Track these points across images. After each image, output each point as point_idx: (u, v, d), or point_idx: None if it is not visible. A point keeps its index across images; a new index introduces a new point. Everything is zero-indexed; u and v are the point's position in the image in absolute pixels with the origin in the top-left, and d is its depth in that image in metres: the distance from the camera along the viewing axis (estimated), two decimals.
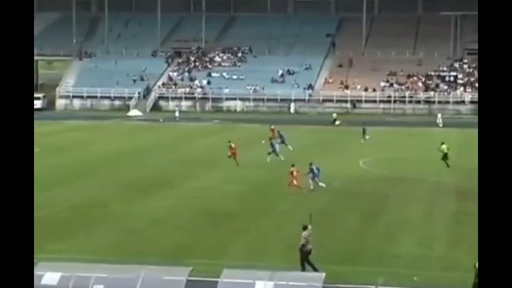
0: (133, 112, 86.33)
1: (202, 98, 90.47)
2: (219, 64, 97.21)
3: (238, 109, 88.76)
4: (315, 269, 23.90)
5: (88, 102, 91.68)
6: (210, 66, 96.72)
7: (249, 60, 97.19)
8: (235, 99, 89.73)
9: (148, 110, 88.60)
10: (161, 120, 78.12)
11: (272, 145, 48.70)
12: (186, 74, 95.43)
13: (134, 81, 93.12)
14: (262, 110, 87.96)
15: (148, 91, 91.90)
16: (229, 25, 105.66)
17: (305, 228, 24.92)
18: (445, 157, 45.72)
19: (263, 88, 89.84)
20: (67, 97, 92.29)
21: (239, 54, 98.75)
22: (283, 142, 52.75)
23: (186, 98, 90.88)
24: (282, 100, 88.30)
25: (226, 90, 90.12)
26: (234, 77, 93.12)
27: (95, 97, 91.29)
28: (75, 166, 46.69)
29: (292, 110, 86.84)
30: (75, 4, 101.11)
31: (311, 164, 38.64)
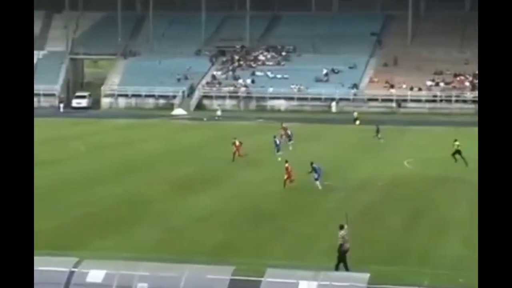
0: (177, 111, 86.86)
1: (246, 97, 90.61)
2: (263, 63, 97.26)
3: (282, 108, 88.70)
4: (347, 269, 23.91)
5: (133, 101, 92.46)
6: (254, 65, 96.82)
7: (293, 59, 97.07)
8: (279, 98, 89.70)
9: (192, 109, 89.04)
10: (205, 119, 78.46)
11: (275, 143, 49.54)
12: (230, 73, 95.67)
13: (178, 80, 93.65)
14: (306, 109, 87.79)
15: (192, 90, 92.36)
16: (273, 23, 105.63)
17: (341, 227, 24.90)
18: (456, 153, 47.09)
19: (307, 88, 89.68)
20: (112, 95, 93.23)
21: (283, 53, 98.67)
22: (290, 140, 53.86)
23: (230, 97, 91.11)
24: (326, 99, 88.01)
25: (270, 89, 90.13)
26: (278, 76, 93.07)
27: (140, 95, 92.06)
28: (119, 164, 47.15)
29: (333, 109, 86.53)
30: (120, 4, 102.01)
31: (312, 164, 38.75)
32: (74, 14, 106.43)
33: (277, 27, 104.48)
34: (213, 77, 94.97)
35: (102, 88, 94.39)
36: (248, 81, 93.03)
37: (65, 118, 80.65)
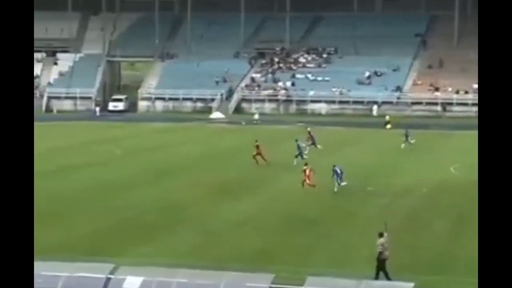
0: (215, 115, 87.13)
1: (285, 100, 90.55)
2: (304, 65, 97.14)
3: (323, 111, 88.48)
4: (388, 278, 23.69)
5: (170, 104, 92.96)
6: (294, 68, 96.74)
7: (334, 61, 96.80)
8: (320, 101, 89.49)
9: (230, 112, 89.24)
10: (243, 123, 78.60)
11: (298, 147, 49.41)
12: (270, 75, 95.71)
13: (217, 82, 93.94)
14: (348, 113, 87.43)
15: (230, 93, 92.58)
16: (314, 24, 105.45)
17: (381, 235, 24.77)
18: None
19: (349, 90, 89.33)
20: (149, 99, 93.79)
21: (324, 55, 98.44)
22: (313, 144, 53.85)
23: (270, 100, 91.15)
24: (368, 102, 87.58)
25: (311, 92, 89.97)
26: (319, 78, 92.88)
27: (177, 99, 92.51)
28: (156, 168, 47.40)
29: (375, 112, 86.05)
30: (157, 4, 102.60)
31: (334, 166, 39.30)
32: (111, 15, 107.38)
33: (318, 28, 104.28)
34: (252, 79, 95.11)
35: (139, 91, 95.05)
36: (288, 84, 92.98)
37: (101, 121, 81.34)
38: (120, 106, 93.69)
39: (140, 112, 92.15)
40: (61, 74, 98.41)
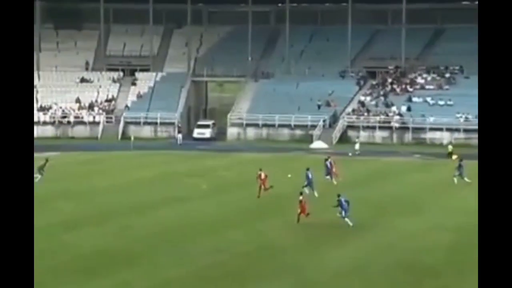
0: (317, 144, 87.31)
1: (400, 128, 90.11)
2: (422, 87, 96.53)
3: (445, 141, 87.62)
4: None
5: (264, 132, 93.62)
6: (410, 89, 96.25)
7: (459, 81, 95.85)
8: (441, 129, 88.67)
9: (334, 141, 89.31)
10: (350, 154, 78.50)
11: (307, 176, 51.61)
12: (382, 98, 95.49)
13: (319, 106, 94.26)
14: (475, 143, 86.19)
15: (335, 119, 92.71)
16: (435, 39, 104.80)
17: None
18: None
19: (476, 117, 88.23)
20: (240, 125, 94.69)
21: (447, 75, 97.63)
22: (328, 174, 56.79)
23: (381, 128, 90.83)
24: None
25: (431, 119, 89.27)
26: (441, 102, 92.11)
27: (273, 125, 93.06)
28: (248, 205, 47.78)
29: None
30: (251, 16, 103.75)
31: (339, 196, 41.58)
32: (197, 29, 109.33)
33: (440, 43, 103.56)
34: (361, 103, 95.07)
35: (229, 115, 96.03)
36: (403, 108, 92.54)
37: (185, 151, 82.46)
38: (207, 133, 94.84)
39: (229, 140, 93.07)
40: (139, 96, 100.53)
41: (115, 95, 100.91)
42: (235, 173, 64.15)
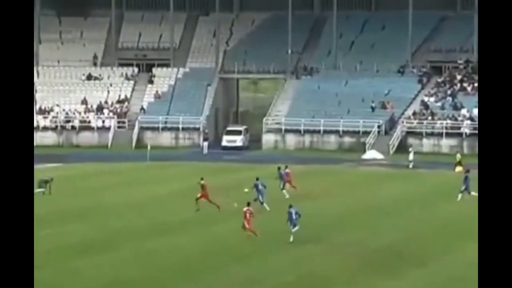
0: (370, 154, 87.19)
1: (472, 135, 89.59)
2: None
3: None
4: None
5: (307, 139, 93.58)
6: None
7: None
8: None
9: (391, 151, 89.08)
10: (410, 166, 78.36)
11: (256, 188, 54.26)
12: (449, 99, 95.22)
13: (373, 109, 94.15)
14: None
15: (392, 123, 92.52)
16: None
17: None
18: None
19: None
20: (277, 131, 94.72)
21: None
22: (284, 185, 59.62)
23: (448, 135, 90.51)
24: None
25: None
26: None
27: (317, 131, 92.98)
28: (286, 227, 47.91)
29: None
30: (291, 0, 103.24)
31: (290, 207, 44.08)
32: (226, 16, 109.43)
33: None
34: (424, 105, 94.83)
35: (264, 120, 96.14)
36: (475, 111, 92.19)
37: (212, 162, 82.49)
38: (238, 141, 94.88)
39: (265, 150, 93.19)
40: (157, 96, 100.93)
41: (128, 95, 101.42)
42: (272, 189, 64.22)
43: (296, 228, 43.59)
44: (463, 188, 57.65)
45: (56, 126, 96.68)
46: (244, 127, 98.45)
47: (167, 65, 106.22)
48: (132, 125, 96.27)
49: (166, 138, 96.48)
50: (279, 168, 61.15)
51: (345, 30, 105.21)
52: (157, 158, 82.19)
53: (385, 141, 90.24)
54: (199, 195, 53.04)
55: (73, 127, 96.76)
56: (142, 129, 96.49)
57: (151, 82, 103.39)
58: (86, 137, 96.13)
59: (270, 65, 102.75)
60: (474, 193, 55.78)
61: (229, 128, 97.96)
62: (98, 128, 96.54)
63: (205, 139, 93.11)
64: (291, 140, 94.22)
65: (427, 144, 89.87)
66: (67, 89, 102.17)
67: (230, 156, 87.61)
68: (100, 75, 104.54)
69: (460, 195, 57.62)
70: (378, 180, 70.87)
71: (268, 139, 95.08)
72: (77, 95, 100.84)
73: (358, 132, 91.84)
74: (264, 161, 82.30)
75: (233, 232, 46.87)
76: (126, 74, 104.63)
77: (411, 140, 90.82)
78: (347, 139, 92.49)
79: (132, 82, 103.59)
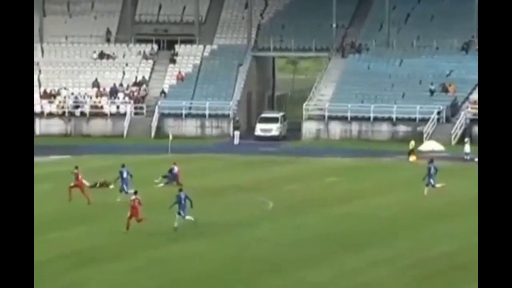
0: (429, 145, 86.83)
1: None
2: None
3: None
4: None
5: (354, 127, 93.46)
6: None
7: None
8: None
9: (453, 141, 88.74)
10: (476, 159, 77.96)
11: (121, 175, 57.64)
12: None
13: (432, 92, 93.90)
14: None
15: (454, 109, 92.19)
16: None
17: None
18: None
19: None
20: (320, 118, 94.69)
21: None
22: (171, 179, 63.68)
23: None
24: None
25: None
26: None
27: (367, 119, 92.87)
28: (331, 232, 47.78)
29: None
30: None
31: (180, 191, 48.59)
32: None
33: None
34: None
35: (305, 105, 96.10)
36: None
37: (244, 154, 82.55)
38: (274, 129, 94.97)
39: (306, 140, 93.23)
40: (180, 78, 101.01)
41: (146, 77, 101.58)
42: (314, 186, 64.06)
43: (190, 217, 47.35)
44: (429, 181, 59.38)
45: (64, 113, 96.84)
46: (281, 113, 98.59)
47: (192, 42, 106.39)
48: (151, 111, 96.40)
49: (190, 127, 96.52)
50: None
51: (399, 3, 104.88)
52: (180, 150, 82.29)
53: (447, 130, 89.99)
54: (72, 184, 56.13)
55: (82, 114, 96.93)
56: (162, 116, 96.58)
57: (173, 61, 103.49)
58: (97, 125, 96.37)
59: (311, 41, 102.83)
60: (439, 185, 58.38)
61: (263, 115, 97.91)
62: (112, 115, 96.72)
63: (236, 128, 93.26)
64: (336, 129, 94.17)
65: None
66: (76, 69, 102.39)
67: (265, 147, 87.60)
68: (114, 53, 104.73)
69: (425, 190, 58.85)
70: (437, 176, 70.50)
71: (309, 127, 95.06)
72: (87, 77, 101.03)
73: (415, 119, 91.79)
74: (304, 154, 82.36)
75: (269, 236, 46.78)
76: (144, 52, 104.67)
77: (477, 129, 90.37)
78: (401, 128, 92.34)
79: (151, 61, 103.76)
